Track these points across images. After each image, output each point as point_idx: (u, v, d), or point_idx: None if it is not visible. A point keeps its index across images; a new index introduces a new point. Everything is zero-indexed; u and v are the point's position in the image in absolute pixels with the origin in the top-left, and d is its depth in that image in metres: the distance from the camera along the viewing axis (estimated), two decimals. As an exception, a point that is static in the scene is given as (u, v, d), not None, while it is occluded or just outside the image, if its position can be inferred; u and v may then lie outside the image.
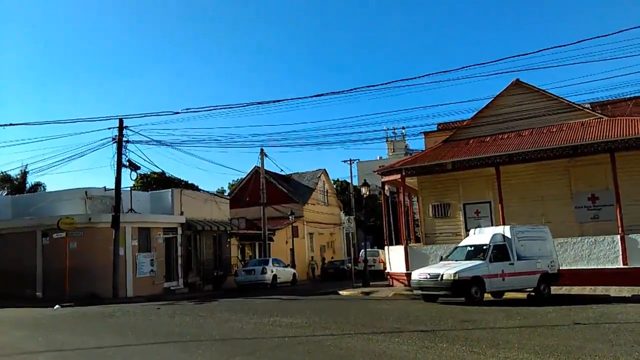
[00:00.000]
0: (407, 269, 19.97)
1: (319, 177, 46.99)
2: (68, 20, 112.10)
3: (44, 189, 41.28)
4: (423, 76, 48.07)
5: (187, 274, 27.66)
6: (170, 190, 29.20)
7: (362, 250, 32.06)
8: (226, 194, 49.02)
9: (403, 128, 57.58)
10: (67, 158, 27.91)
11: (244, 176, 43.76)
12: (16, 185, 42.12)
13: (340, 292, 20.57)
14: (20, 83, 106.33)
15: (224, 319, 12.79)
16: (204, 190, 35.99)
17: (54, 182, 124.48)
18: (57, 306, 18.59)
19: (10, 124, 26.05)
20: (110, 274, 22.04)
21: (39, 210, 25.59)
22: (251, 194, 36.67)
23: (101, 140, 24.26)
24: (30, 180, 42.37)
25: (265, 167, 35.78)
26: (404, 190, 24.39)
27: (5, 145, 52.69)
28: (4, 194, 39.49)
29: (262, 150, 34.64)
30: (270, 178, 39.13)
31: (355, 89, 21.76)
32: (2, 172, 39.99)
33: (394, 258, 21.91)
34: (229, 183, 57.87)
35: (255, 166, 38.70)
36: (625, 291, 15.57)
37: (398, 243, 24.39)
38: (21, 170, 39.55)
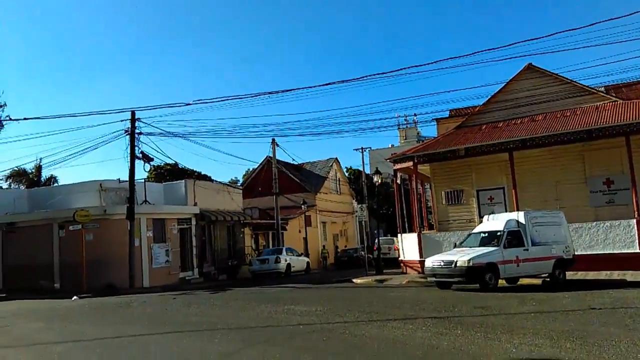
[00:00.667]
0: (421, 256, 19.95)
1: (331, 165, 46.97)
2: (77, 13, 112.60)
3: (57, 182, 41.88)
4: (434, 62, 47.75)
5: (201, 263, 27.91)
6: (183, 181, 29.41)
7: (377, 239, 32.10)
8: (239, 184, 49.27)
9: (415, 115, 57.23)
10: (80, 151, 28.35)
11: (256, 166, 43.88)
12: (31, 178, 42.78)
13: (354, 280, 20.63)
14: (31, 78, 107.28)
15: (239, 307, 12.91)
16: (216, 181, 36.22)
17: (68, 176, 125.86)
18: (74, 297, 18.88)
19: (25, 118, 26.45)
20: (127, 265, 22.31)
21: (54, 203, 25.94)
22: (263, 184, 36.79)
23: (114, 132, 24.53)
24: (45, 174, 43.03)
25: (277, 157, 35.87)
26: (417, 178, 24.30)
27: (19, 140, 53.42)
28: (20, 188, 40.07)
29: (273, 140, 34.75)
30: (282, 168, 39.20)
31: (365, 76, 21.87)
32: (17, 167, 40.58)
33: (408, 245, 21.90)
34: (244, 173, 58.11)
35: (267, 156, 38.82)
36: (642, 276, 15.43)
37: (411, 231, 24.35)
38: (36, 164, 40.12)
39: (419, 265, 19.93)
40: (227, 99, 22.82)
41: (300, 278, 26.29)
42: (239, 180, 54.91)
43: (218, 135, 41.91)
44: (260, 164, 42.38)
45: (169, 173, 41.96)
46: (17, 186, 42.18)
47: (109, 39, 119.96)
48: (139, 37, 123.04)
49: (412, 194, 25.12)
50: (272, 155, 35.45)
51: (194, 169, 43.00)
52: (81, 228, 22.01)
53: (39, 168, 40.88)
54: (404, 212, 24.51)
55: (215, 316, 11.68)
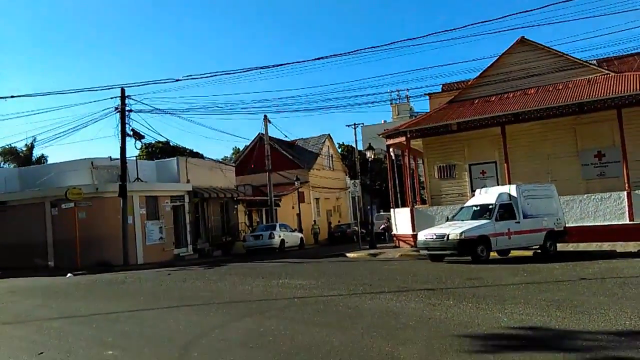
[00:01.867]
0: (414, 230, 20.11)
1: (324, 142, 46.89)
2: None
3: (47, 161, 41.64)
4: (426, 35, 47.36)
5: (196, 240, 28.00)
6: (175, 158, 29.30)
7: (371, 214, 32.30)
8: (230, 161, 49.13)
9: (407, 90, 57.12)
10: (71, 129, 28.20)
11: (248, 143, 43.73)
12: (22, 157, 42.52)
13: (348, 255, 20.80)
14: (19, 55, 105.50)
15: (234, 282, 13.01)
16: (209, 158, 36.09)
17: (59, 154, 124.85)
18: (69, 275, 18.92)
19: (12, 96, 26.04)
20: (120, 242, 22.34)
21: (46, 181, 25.80)
22: (256, 161, 36.71)
23: (104, 110, 24.26)
24: (36, 152, 42.75)
25: (270, 134, 35.75)
26: (409, 153, 24.33)
27: (8, 118, 52.74)
28: (11, 167, 39.83)
29: (265, 116, 34.57)
30: (274, 144, 39.10)
31: (357, 50, 21.64)
32: (7, 145, 40.24)
33: (400, 220, 22.04)
34: (233, 150, 57.92)
35: (259, 133, 38.63)
36: (632, 246, 15.67)
37: (404, 205, 24.48)
38: (27, 143, 39.82)
39: (411, 239, 20.10)
40: (217, 75, 22.68)
41: (294, 253, 26.47)
42: (228, 158, 54.76)
43: (210, 112, 41.79)
44: (253, 140, 42.22)
45: (161, 151, 41.79)
46: (7, 165, 41.93)
47: (97, 15, 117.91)
48: (128, 13, 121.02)
49: (404, 169, 25.17)
50: (264, 132, 35.32)
51: (186, 147, 42.84)
52: (74, 206, 21.95)
53: (30, 147, 40.55)
54: (397, 187, 24.60)
55: (210, 291, 11.77)
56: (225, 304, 9.56)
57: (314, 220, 40.48)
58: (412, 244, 19.58)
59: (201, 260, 24.29)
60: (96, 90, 59.45)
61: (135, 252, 23.50)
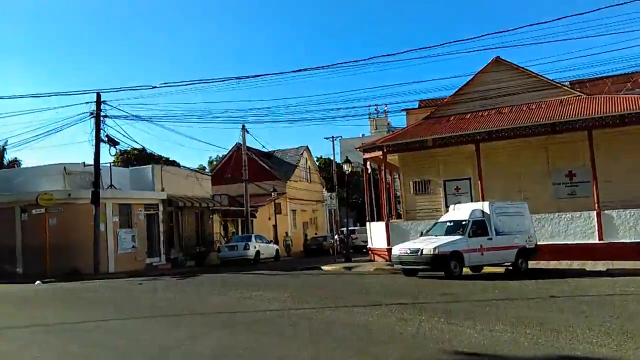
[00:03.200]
0: (389, 244, 20.21)
1: (302, 154, 46.94)
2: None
3: (20, 165, 40.72)
4: (405, 52, 48.05)
5: (169, 250, 27.64)
6: (150, 166, 28.97)
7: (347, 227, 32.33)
8: (206, 170, 48.79)
9: (385, 105, 57.56)
10: (44, 133, 27.60)
11: (226, 152, 43.54)
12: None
13: (323, 267, 20.78)
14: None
15: (207, 293, 12.88)
16: (185, 167, 35.79)
17: (31, 158, 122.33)
18: (38, 282, 18.49)
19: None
20: (91, 250, 21.92)
21: (17, 185, 25.20)
22: (233, 171, 36.53)
23: (79, 115, 23.87)
24: (9, 156, 41.77)
25: (247, 144, 35.65)
26: (386, 167, 24.52)
27: (-21, 120, 51.67)
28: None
29: (243, 126, 34.51)
30: (252, 154, 38.97)
31: (336, 64, 21.75)
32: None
33: (376, 234, 22.14)
34: (209, 159, 57.57)
35: (236, 143, 38.49)
36: (600, 265, 15.98)
37: (380, 219, 24.61)
38: (-2, 147, 38.85)
39: (386, 253, 20.19)
40: (195, 83, 22.66)
41: (269, 265, 26.33)
42: (205, 167, 54.40)
43: (187, 120, 41.55)
44: (230, 150, 42.02)
45: (136, 158, 41.33)
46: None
47: (77, 17, 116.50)
48: (106, 18, 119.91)
49: (381, 183, 25.35)
50: (242, 142, 35.20)
51: (162, 155, 42.44)
52: (45, 212, 21.48)
53: (2, 150, 39.61)
54: (373, 201, 24.75)
55: (182, 302, 11.63)
56: (196, 316, 9.46)
57: (286, 232, 40.17)
58: (387, 257, 19.66)
59: (174, 271, 23.97)
60: (71, 94, 58.93)
61: (107, 260, 23.08)
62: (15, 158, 43.16)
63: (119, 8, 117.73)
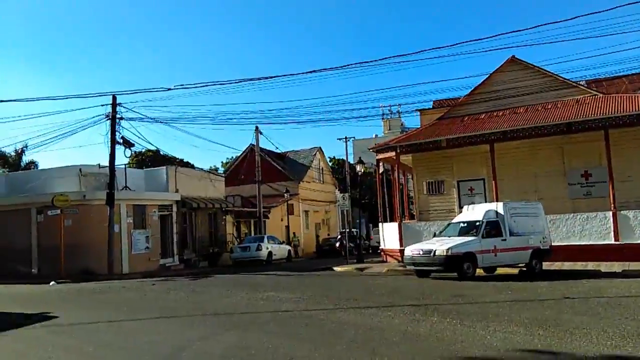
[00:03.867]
0: (401, 245, 20.11)
1: (315, 154, 46.94)
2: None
3: (37, 167, 41.31)
4: (418, 52, 47.78)
5: (182, 250, 27.78)
6: (165, 167, 29.14)
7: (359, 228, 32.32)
8: (220, 172, 48.99)
9: (399, 105, 57.39)
10: (60, 135, 27.95)
11: (239, 154, 43.70)
12: (11, 163, 42.11)
13: (335, 268, 20.74)
14: (12, 61, 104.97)
15: (219, 294, 12.91)
16: (198, 168, 35.96)
17: (48, 160, 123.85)
18: (52, 282, 18.68)
19: (2, 101, 25.85)
20: (106, 251, 22.11)
21: (33, 187, 25.53)
22: (246, 172, 36.63)
23: (94, 117, 24.09)
24: (25, 158, 42.40)
25: (261, 145, 35.71)
26: (399, 168, 24.41)
27: (-2, 123, 52.52)
28: (1, 172, 39.47)
29: (257, 127, 34.58)
30: (265, 156, 39.06)
31: (349, 65, 21.61)
32: (-4, 150, 39.90)
33: (388, 234, 22.05)
34: (222, 161, 57.77)
35: (250, 144, 38.58)
36: (616, 267, 15.75)
37: (393, 220, 24.50)
38: (16, 149, 39.44)
39: (399, 254, 20.09)
40: (209, 85, 22.71)
41: (281, 266, 26.35)
42: (218, 169, 54.62)
43: (201, 122, 41.78)
44: (244, 151, 42.15)
45: (150, 160, 41.60)
46: (-3, 170, 41.56)
47: (92, 22, 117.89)
48: (121, 22, 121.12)
49: (394, 183, 25.25)
50: (255, 143, 35.29)
51: (176, 156, 42.69)
52: (60, 213, 21.71)
53: (20, 152, 40.20)
54: (386, 201, 24.65)
55: (194, 302, 11.67)
56: (208, 316, 9.48)
57: (294, 233, 39.97)
58: (400, 258, 19.57)
59: (187, 271, 24.08)
60: (87, 96, 59.54)
61: (121, 261, 23.25)
62: (32, 160, 43.85)
63: (131, 10, 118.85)
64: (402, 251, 18.70)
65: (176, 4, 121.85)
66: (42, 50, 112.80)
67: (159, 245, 25.99)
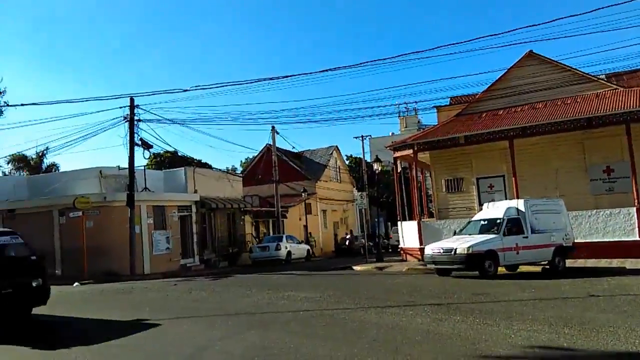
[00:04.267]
0: (421, 243, 20.01)
1: (331, 153, 46.94)
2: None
3: (58, 169, 42.04)
4: (434, 48, 47.37)
5: (202, 251, 27.99)
6: (183, 168, 29.38)
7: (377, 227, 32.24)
8: (238, 171, 49.27)
9: (415, 103, 57.04)
10: (80, 138, 28.40)
11: (256, 154, 43.89)
12: (32, 165, 42.93)
13: (354, 268, 20.71)
14: (28, 63, 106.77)
15: (240, 294, 12.97)
16: (216, 169, 36.17)
17: (67, 163, 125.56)
18: (76, 284, 18.95)
19: (22, 104, 26.35)
20: (127, 252, 22.36)
21: (54, 189, 25.93)
22: (263, 172, 36.76)
23: (113, 119, 24.35)
24: (46, 161, 43.19)
25: (277, 145, 35.80)
26: (417, 166, 24.26)
27: (18, 126, 53.57)
28: (22, 174, 40.20)
29: (273, 127, 34.65)
30: (282, 155, 39.14)
31: (362, 63, 21.48)
32: (17, 153, 40.65)
33: (407, 233, 21.93)
34: (241, 161, 58.08)
35: (266, 144, 38.68)
36: (641, 263, 15.48)
37: (411, 218, 24.37)
38: (37, 152, 40.18)
39: (418, 252, 19.99)
40: (225, 85, 22.70)
41: (300, 265, 26.38)
42: (237, 169, 54.93)
43: (217, 123, 41.94)
44: (260, 151, 42.30)
45: (169, 161, 41.98)
46: (17, 172, 42.37)
47: (105, 26, 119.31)
48: (136, 24, 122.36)
49: (412, 181, 25.11)
50: (272, 143, 35.38)
51: (194, 157, 42.97)
52: (82, 215, 22.01)
53: (41, 155, 40.92)
54: (404, 200, 24.53)
55: (216, 302, 11.74)
56: (229, 316, 9.53)
57: (309, 233, 39.95)
58: (420, 257, 19.47)
59: (207, 271, 24.26)
60: (105, 99, 60.11)
61: (142, 262, 23.51)
62: (53, 162, 44.63)
63: (145, 14, 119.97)
64: (422, 250, 18.61)
65: (185, 5, 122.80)
66: (60, 53, 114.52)
67: (180, 246, 26.22)
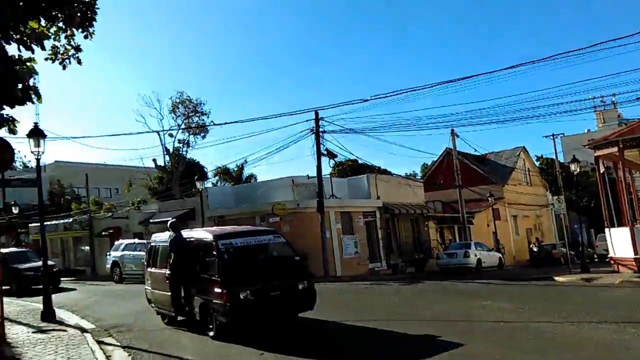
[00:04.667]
0: (635, 253, 17.61)
1: (518, 155, 44.07)
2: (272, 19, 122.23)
3: (256, 179, 46.61)
4: (636, 34, 41.62)
5: (388, 255, 28.35)
6: (365, 176, 30.18)
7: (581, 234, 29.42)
8: (418, 177, 48.97)
9: (613, 95, 50.52)
10: (275, 150, 30.83)
11: (435, 158, 43.17)
12: (234, 176, 48.31)
13: (556, 278, 19.00)
14: (225, 87, 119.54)
15: (433, 300, 12.82)
16: (397, 175, 36.38)
17: (263, 173, 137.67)
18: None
19: (225, 123, 29.56)
20: (320, 255, 23.60)
21: (255, 198, 28.62)
22: (444, 177, 35.93)
23: (301, 132, 26.02)
24: (245, 172, 48.33)
25: (458, 148, 34.65)
26: (624, 165, 21.49)
27: (221, 143, 61.40)
28: (226, 185, 45.47)
29: (452, 130, 33.54)
30: (463, 159, 37.76)
31: (553, 56, 19.32)
32: (222, 165, 46.20)
33: (617, 241, 19.46)
34: (421, 166, 57.63)
35: (446, 147, 37.74)
36: None
37: (621, 224, 21.62)
38: (237, 164, 44.99)
39: (633, 263, 17.64)
40: (403, 92, 22.65)
41: (492, 274, 25.09)
42: (417, 174, 54.58)
43: (395, 129, 41.94)
44: (440, 156, 41.44)
45: (351, 169, 43.51)
46: (223, 183, 48.13)
47: (291, 47, 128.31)
48: (320, 42, 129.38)
49: (618, 183, 22.27)
50: (452, 147, 34.41)
51: (375, 164, 43.85)
52: (279, 220, 23.93)
53: (241, 167, 45.76)
54: (610, 203, 21.84)
55: (410, 307, 11.75)
56: (426, 322, 9.44)
57: (497, 240, 37.60)
58: (635, 268, 17.19)
59: (395, 276, 24.44)
60: (294, 114, 64.96)
61: (334, 264, 24.64)
62: (251, 173, 49.66)
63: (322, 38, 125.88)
64: (637, 260, 16.42)
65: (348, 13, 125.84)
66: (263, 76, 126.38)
67: (367, 250, 26.93)
